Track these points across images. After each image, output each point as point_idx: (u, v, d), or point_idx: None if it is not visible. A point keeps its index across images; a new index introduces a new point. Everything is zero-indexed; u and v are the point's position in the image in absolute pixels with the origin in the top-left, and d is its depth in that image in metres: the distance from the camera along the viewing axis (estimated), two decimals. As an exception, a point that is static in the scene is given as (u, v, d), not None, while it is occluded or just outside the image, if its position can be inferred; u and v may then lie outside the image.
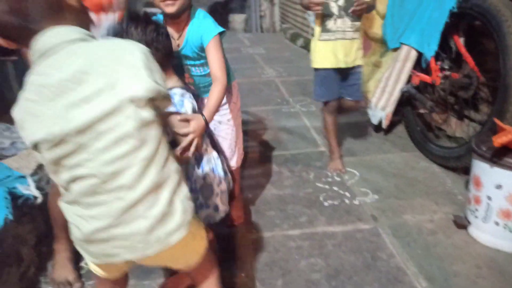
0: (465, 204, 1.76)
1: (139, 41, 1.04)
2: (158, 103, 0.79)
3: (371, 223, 1.81)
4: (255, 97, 3.50)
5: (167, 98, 0.82)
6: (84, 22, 0.83)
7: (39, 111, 0.73)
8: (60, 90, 0.72)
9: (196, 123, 1.10)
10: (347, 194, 2.04)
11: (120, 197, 0.77)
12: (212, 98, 1.30)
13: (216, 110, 1.31)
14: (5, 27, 0.73)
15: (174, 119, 1.06)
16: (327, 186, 2.11)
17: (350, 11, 1.93)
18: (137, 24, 1.15)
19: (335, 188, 2.09)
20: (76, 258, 1.51)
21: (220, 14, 7.74)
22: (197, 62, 1.45)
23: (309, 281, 1.48)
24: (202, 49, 1.38)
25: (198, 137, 1.11)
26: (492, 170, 1.51)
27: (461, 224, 1.70)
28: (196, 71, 1.48)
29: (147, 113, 0.76)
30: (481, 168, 1.56)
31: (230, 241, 1.70)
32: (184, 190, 0.87)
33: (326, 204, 1.96)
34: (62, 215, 1.11)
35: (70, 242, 1.39)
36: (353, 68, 2.09)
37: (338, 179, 2.18)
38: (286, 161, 2.38)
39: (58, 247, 1.48)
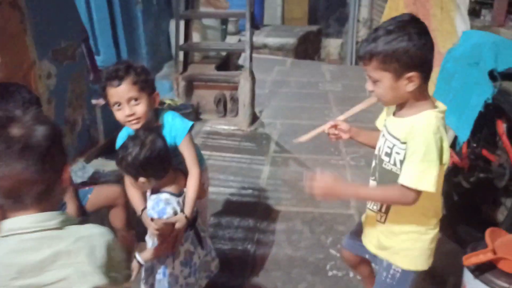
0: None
1: (133, 159, 1.33)
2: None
3: (364, 303, 1.89)
4: (311, 143, 3.65)
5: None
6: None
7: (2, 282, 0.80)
8: (25, 272, 0.80)
9: (180, 224, 1.41)
10: (355, 266, 2.13)
11: None
12: (189, 192, 1.50)
13: (194, 202, 1.50)
14: None
15: (159, 224, 1.37)
16: (338, 254, 2.22)
17: None
18: (127, 147, 1.36)
19: (346, 258, 2.19)
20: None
21: (311, 42, 7.97)
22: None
23: None
24: (177, 147, 1.55)
25: (180, 232, 1.41)
26: (474, 282, 1.51)
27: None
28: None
29: None
30: (467, 276, 1.57)
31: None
32: None
33: (330, 274, 2.09)
34: None
35: None
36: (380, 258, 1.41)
37: (353, 248, 2.27)
38: (312, 220, 2.54)
39: None
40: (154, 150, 1.36)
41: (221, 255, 2.19)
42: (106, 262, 0.86)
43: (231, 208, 2.65)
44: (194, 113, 4.00)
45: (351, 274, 2.07)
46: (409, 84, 1.17)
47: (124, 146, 1.38)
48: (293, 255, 2.23)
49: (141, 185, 1.42)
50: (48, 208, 0.87)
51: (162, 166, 1.40)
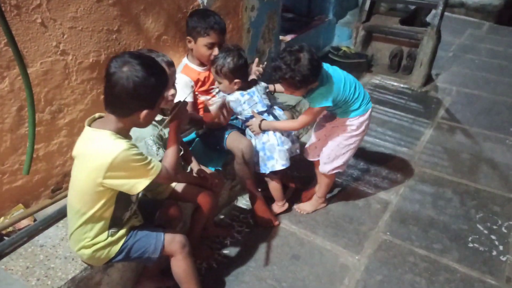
0: None
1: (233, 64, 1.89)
2: None
3: (500, 282, 1.85)
4: (487, 117, 3.36)
5: None
6: None
7: None
8: None
9: (253, 121, 2.00)
10: (501, 247, 2.05)
11: None
12: (281, 123, 2.01)
13: (277, 130, 2.00)
14: None
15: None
16: (485, 231, 2.15)
17: None
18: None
19: (493, 237, 2.12)
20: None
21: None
22: None
23: (402, 290, 1.81)
24: None
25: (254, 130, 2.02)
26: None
27: None
28: None
29: None
30: None
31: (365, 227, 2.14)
32: None
33: (470, 245, 2.06)
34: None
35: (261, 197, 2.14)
36: None
37: (504, 230, 2.16)
38: (465, 192, 2.46)
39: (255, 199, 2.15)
40: (243, 57, 1.90)
41: (362, 198, 2.37)
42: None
43: (382, 159, 2.74)
44: (366, 64, 4.04)
45: (494, 252, 2.02)
46: None
47: (222, 57, 1.87)
48: (435, 218, 2.25)
49: (232, 87, 1.94)
50: None
51: (247, 70, 1.97)
